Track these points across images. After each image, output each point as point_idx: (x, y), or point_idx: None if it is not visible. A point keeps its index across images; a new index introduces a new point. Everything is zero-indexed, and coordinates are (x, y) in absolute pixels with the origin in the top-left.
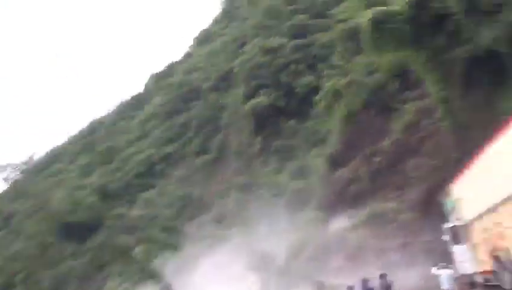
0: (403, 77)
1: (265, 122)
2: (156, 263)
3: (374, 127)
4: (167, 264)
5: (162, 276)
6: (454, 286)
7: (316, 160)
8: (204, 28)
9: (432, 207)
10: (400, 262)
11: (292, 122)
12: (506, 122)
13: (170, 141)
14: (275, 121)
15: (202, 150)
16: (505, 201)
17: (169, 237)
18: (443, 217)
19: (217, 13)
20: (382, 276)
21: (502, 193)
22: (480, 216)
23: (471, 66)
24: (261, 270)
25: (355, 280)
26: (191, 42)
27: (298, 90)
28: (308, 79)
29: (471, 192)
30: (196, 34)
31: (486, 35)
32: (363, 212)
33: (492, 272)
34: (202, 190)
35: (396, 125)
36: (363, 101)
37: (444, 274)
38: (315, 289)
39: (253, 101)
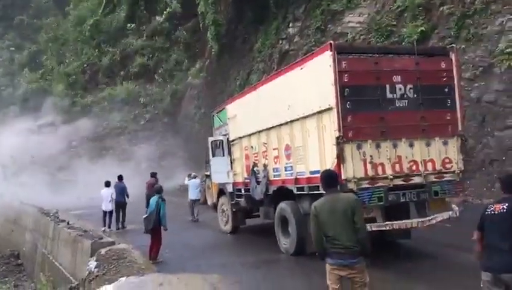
0: None
1: None
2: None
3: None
4: None
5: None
6: (199, 195)
7: None
8: None
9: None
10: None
11: None
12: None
13: None
14: None
15: None
16: (272, 128)
17: None
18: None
19: None
20: (153, 174)
21: (271, 122)
22: (248, 136)
23: None
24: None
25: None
26: None
27: None
28: None
29: (242, 114)
30: None
31: None
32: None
33: (244, 183)
34: None
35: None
36: None
37: (191, 184)
38: None
39: None
